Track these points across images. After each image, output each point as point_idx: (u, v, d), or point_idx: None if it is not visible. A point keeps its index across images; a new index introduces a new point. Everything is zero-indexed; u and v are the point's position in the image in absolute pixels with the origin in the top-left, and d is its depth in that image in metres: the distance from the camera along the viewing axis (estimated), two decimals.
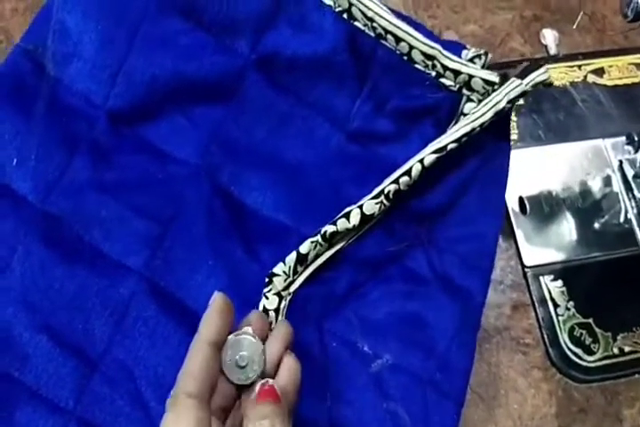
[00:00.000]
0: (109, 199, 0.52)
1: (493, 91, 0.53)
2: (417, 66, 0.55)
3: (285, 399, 0.42)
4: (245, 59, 0.56)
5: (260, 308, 0.50)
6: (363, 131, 0.56)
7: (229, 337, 0.43)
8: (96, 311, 0.49)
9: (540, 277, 0.60)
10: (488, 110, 0.52)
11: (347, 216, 0.51)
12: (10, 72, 0.54)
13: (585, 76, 0.67)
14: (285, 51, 0.55)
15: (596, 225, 0.62)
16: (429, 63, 0.55)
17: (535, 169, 0.60)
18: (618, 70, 0.67)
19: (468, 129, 0.52)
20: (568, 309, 0.59)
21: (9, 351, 0.48)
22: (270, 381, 0.42)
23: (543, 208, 0.62)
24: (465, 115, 0.54)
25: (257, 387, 0.42)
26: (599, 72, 0.68)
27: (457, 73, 0.54)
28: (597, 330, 0.59)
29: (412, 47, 0.54)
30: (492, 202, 0.55)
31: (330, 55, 0.55)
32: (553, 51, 0.68)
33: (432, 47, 0.54)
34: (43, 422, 0.47)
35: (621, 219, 0.62)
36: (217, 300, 0.43)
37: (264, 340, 0.44)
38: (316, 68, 0.55)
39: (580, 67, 0.68)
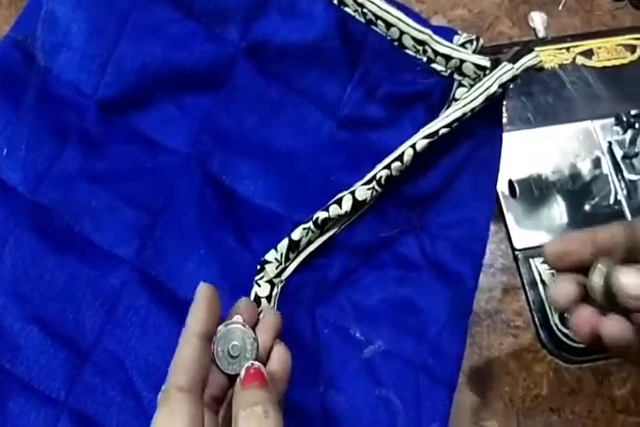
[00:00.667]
0: (100, 189, 0.51)
1: (485, 76, 0.52)
2: (408, 51, 0.54)
3: (275, 387, 0.40)
4: (235, 47, 0.54)
5: (252, 295, 0.49)
6: (354, 117, 0.55)
7: (220, 327, 0.42)
8: (87, 302, 0.49)
9: (531, 260, 0.59)
10: (479, 95, 0.51)
11: (339, 202, 0.50)
12: (0, 60, 0.53)
13: (574, 58, 0.66)
14: (275, 38, 0.54)
15: (587, 207, 0.61)
16: (420, 48, 0.53)
17: (524, 152, 0.59)
18: (607, 52, 0.66)
19: (459, 114, 0.51)
20: None
21: (0, 343, 0.48)
22: (256, 363, 0.41)
23: (533, 191, 0.61)
24: (457, 100, 0.53)
25: (243, 371, 0.40)
26: (588, 54, 0.66)
27: (448, 58, 0.53)
28: None
29: (402, 33, 0.53)
30: (484, 187, 0.54)
31: (320, 42, 0.54)
32: (541, 33, 0.66)
33: (423, 32, 0.53)
34: (35, 413, 0.46)
35: (611, 200, 0.61)
36: (202, 290, 0.42)
37: (254, 328, 0.43)
38: (306, 56, 0.54)
39: (568, 49, 0.66)
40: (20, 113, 0.52)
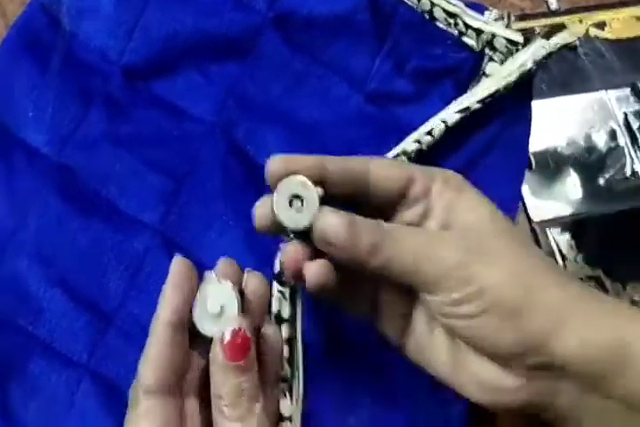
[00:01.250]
0: (124, 153, 0.50)
1: (517, 51, 0.51)
2: (439, 24, 0.52)
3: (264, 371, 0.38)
4: (263, 16, 0.53)
5: (277, 262, 0.47)
6: (381, 91, 0.53)
7: (199, 289, 0.38)
8: (111, 266, 0.48)
9: (548, 231, 0.59)
10: (513, 71, 0.49)
11: None
12: (26, 26, 0.52)
13: (587, 30, 0.65)
14: (303, 9, 0.52)
15: (602, 179, 0.60)
16: (452, 21, 0.52)
17: (539, 123, 0.57)
18: (620, 23, 0.65)
19: (492, 90, 0.49)
20: (577, 261, 0.58)
21: (23, 305, 0.46)
22: (243, 327, 0.36)
23: (549, 163, 0.60)
24: (487, 75, 0.52)
25: (227, 333, 0.36)
26: (601, 25, 0.65)
27: (479, 32, 0.51)
28: (607, 281, 0.58)
29: (433, 4, 0.52)
30: (514, 165, 0.52)
31: (349, 13, 0.52)
32: (554, 5, 0.65)
33: (455, 5, 0.51)
34: (56, 375, 0.45)
35: (628, 172, 0.60)
36: (175, 267, 0.38)
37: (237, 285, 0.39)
38: (334, 27, 0.53)
39: (581, 21, 0.65)
40: (45, 76, 0.51)
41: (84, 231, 0.48)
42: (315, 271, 0.38)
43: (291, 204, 0.38)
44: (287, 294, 0.45)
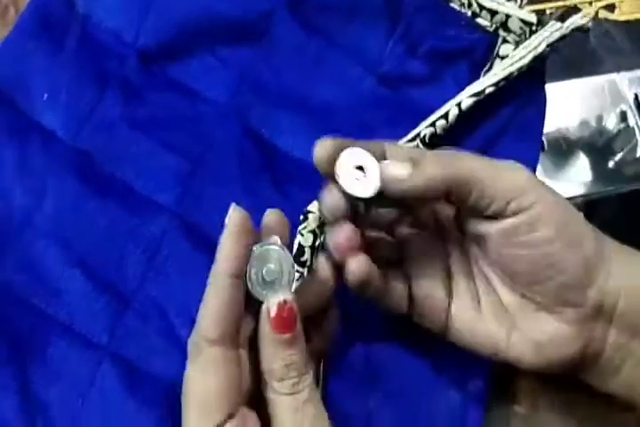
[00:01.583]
0: (140, 135, 0.50)
1: (530, 32, 0.50)
2: (452, 5, 0.52)
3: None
4: None
5: (296, 245, 0.47)
6: (395, 73, 0.53)
7: (254, 248, 0.37)
8: (129, 248, 0.47)
9: None
10: (527, 53, 0.49)
11: None
12: (39, 7, 0.52)
13: (596, 12, 0.64)
14: None
15: (614, 160, 0.60)
16: (465, 2, 0.51)
17: (550, 106, 0.57)
18: (629, 5, 0.65)
19: (506, 73, 0.49)
20: None
21: (41, 286, 0.46)
22: (290, 299, 0.36)
23: (561, 144, 0.60)
24: (500, 57, 0.51)
25: (274, 303, 0.35)
26: (610, 8, 0.65)
27: (493, 13, 0.51)
28: None
29: None
30: (528, 149, 0.52)
31: None
32: None
33: None
34: (77, 356, 0.45)
35: (638, 153, 0.60)
36: (232, 217, 0.36)
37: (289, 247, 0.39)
38: (348, 9, 0.52)
39: (590, 3, 0.65)
40: (60, 58, 0.51)
41: (102, 213, 0.48)
42: (356, 268, 0.39)
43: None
44: (305, 275, 0.45)
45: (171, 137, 0.50)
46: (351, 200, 0.39)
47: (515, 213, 0.38)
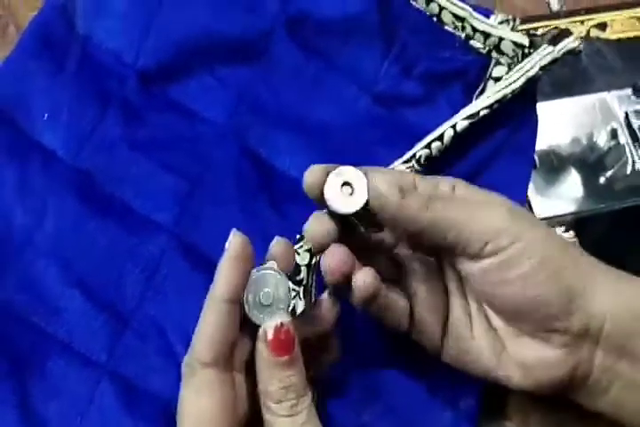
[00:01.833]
0: (140, 156, 0.50)
1: (523, 54, 0.51)
2: (447, 27, 0.53)
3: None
4: (275, 19, 0.53)
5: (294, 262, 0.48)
6: (390, 93, 0.53)
7: (252, 271, 0.37)
8: (127, 268, 0.48)
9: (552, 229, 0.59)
10: (520, 77, 0.50)
11: None
12: (40, 27, 0.52)
13: (588, 31, 0.65)
14: (315, 12, 0.53)
15: (605, 177, 0.60)
16: (459, 25, 0.52)
17: (543, 124, 0.57)
18: (620, 24, 0.65)
19: (500, 95, 0.49)
20: None
21: (41, 305, 0.47)
22: (287, 322, 0.36)
23: (552, 162, 0.61)
24: (494, 78, 0.52)
25: (271, 327, 0.36)
26: (602, 26, 0.65)
27: (487, 35, 0.51)
28: None
29: (442, 8, 0.52)
30: (520, 170, 0.53)
31: (360, 16, 0.53)
32: (555, 7, 0.65)
33: (462, 8, 0.52)
34: (75, 375, 0.45)
35: (629, 170, 0.61)
36: (233, 243, 0.37)
37: (289, 274, 0.39)
38: (345, 30, 0.53)
39: (582, 22, 0.65)
40: (61, 79, 0.51)
41: (101, 233, 0.48)
42: (362, 281, 0.39)
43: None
44: (301, 294, 0.45)
45: (169, 158, 0.50)
46: (340, 220, 0.40)
47: (492, 255, 0.38)
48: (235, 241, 0.37)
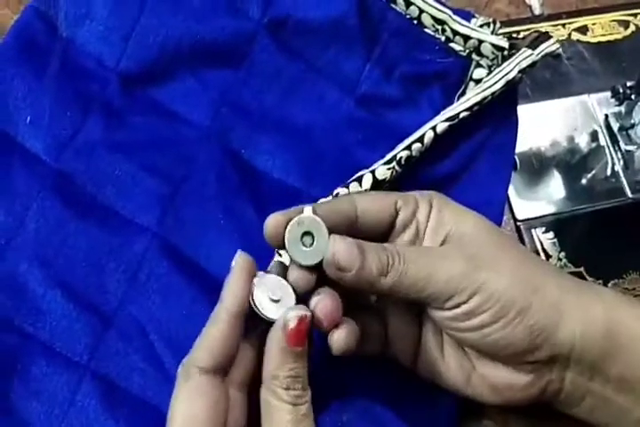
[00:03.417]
0: (122, 159, 0.50)
1: (503, 57, 0.51)
2: (427, 30, 0.52)
3: None
4: (256, 22, 0.53)
5: (275, 263, 0.47)
6: (371, 96, 0.53)
7: (254, 279, 0.38)
8: (109, 268, 0.47)
9: (532, 230, 0.59)
10: (499, 79, 0.50)
11: (359, 180, 0.48)
12: (22, 31, 0.52)
13: (569, 35, 0.65)
14: (296, 14, 0.53)
15: (585, 178, 0.60)
16: (439, 28, 0.52)
17: (524, 126, 0.57)
18: (601, 27, 0.65)
19: (479, 98, 0.49)
20: (560, 259, 0.58)
21: (23, 306, 0.46)
22: (309, 314, 0.37)
23: (533, 164, 0.61)
24: (474, 80, 0.52)
25: (294, 318, 0.36)
26: (583, 30, 0.65)
27: (467, 38, 0.52)
28: (589, 278, 0.58)
29: (422, 11, 0.52)
30: (500, 170, 0.52)
31: (341, 19, 0.52)
32: (537, 11, 0.65)
33: (442, 11, 0.52)
34: (57, 376, 0.45)
35: (609, 172, 0.60)
36: (239, 261, 0.38)
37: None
38: (326, 33, 0.53)
39: (564, 25, 0.65)
40: (42, 82, 0.51)
41: (83, 234, 0.48)
42: (340, 339, 0.39)
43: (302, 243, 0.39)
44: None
45: (152, 160, 0.50)
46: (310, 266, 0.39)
47: (454, 307, 0.38)
48: (241, 260, 0.38)
